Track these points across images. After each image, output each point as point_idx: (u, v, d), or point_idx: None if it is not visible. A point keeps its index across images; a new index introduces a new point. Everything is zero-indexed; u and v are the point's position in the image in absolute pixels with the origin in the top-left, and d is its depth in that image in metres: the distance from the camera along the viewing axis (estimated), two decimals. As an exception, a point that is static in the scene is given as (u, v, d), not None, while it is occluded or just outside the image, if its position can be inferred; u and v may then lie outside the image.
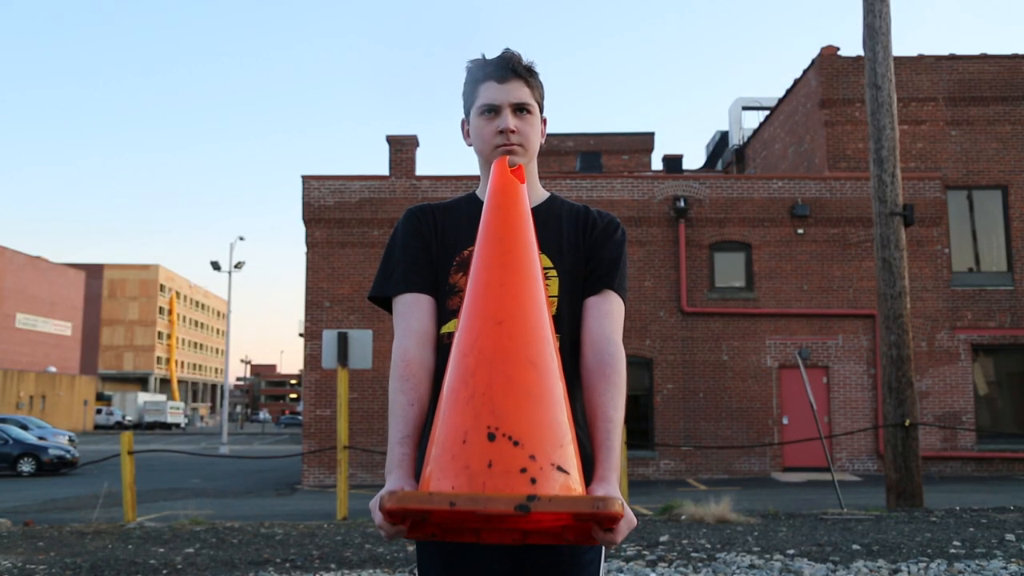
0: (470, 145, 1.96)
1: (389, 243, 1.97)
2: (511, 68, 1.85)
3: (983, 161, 19.92)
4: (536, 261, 1.67)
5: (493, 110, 1.86)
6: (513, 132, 1.87)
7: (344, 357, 11.16)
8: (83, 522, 9.92)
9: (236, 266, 39.60)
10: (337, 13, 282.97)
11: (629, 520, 1.53)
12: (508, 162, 1.80)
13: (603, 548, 1.84)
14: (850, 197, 19.33)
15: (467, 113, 1.95)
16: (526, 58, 1.90)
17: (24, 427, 28.05)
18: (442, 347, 1.81)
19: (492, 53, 1.92)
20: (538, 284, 1.64)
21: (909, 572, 6.33)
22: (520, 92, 1.86)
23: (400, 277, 1.89)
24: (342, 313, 18.79)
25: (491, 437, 1.47)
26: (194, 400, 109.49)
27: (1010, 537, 7.88)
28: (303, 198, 19.16)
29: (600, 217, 1.97)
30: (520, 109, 1.86)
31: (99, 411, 65.72)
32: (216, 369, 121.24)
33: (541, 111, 1.93)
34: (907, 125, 19.51)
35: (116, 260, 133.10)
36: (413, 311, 1.85)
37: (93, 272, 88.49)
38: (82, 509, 12.06)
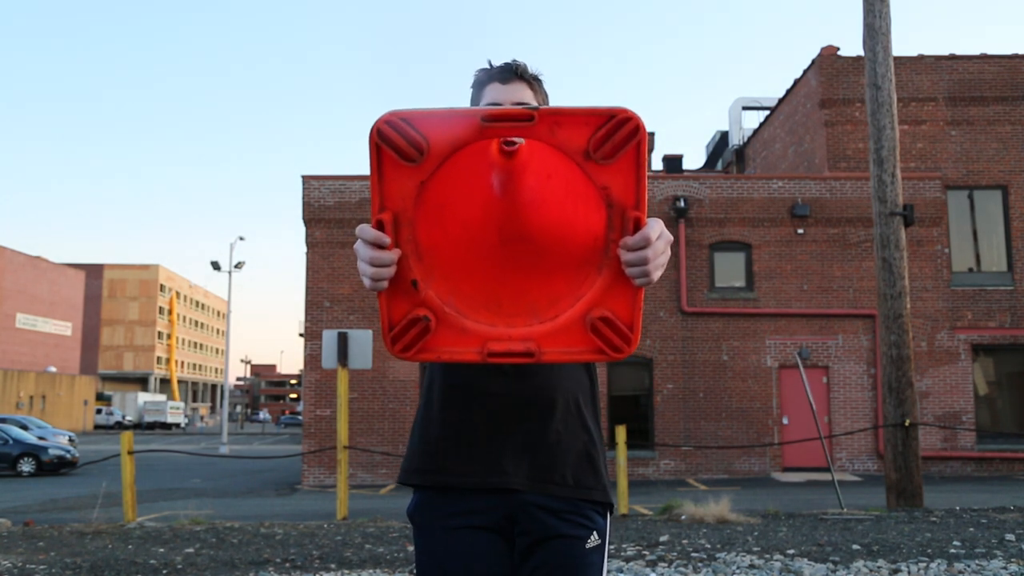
0: None
1: None
2: (514, 71, 1.87)
3: (983, 161, 19.92)
4: None
5: None
6: None
7: (344, 357, 11.16)
8: (83, 522, 9.91)
9: (236, 266, 39.60)
10: (337, 12, 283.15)
11: (665, 235, 1.53)
12: None
13: (606, 548, 1.83)
14: (850, 197, 19.33)
15: None
16: (532, 68, 1.91)
17: (24, 427, 28.04)
18: None
19: (497, 59, 1.93)
20: None
21: (909, 572, 6.33)
22: (522, 93, 1.87)
23: None
24: (342, 313, 18.80)
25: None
26: (194, 400, 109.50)
27: (1010, 537, 7.88)
28: (303, 198, 19.17)
29: None
30: None
31: (99, 411, 65.71)
32: (216, 369, 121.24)
33: None
34: (907, 125, 19.52)
35: (116, 260, 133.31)
36: None
37: (93, 272, 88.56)
38: (82, 509, 12.05)
